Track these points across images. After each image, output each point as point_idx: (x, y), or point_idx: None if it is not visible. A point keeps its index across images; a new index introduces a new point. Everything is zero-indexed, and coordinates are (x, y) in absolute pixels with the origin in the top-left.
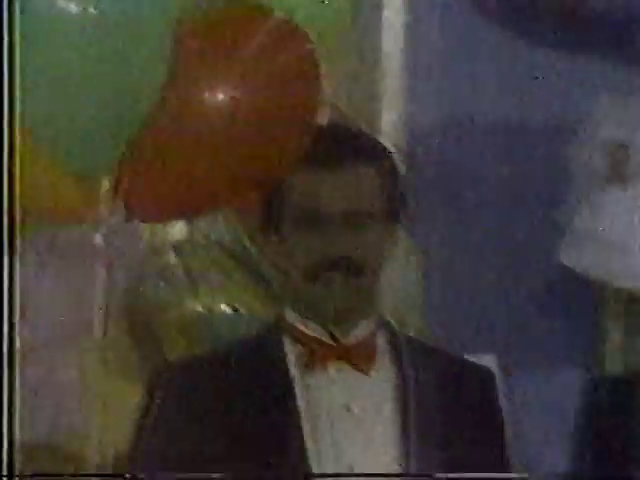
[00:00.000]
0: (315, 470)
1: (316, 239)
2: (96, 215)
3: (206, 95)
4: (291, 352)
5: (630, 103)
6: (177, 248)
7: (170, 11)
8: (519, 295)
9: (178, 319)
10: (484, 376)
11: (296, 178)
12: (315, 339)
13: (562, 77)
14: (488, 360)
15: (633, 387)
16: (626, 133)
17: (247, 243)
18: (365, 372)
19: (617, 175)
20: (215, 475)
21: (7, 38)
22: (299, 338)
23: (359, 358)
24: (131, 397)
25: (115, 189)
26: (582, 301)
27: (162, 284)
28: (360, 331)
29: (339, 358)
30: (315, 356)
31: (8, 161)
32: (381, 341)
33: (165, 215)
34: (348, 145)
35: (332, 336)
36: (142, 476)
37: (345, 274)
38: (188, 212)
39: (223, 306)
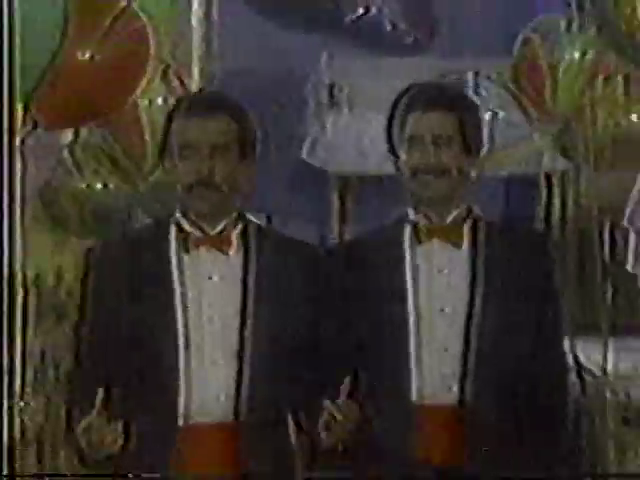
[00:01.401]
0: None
1: (191, 165)
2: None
3: (79, 54)
4: (174, 238)
5: (339, 61)
6: (69, 147)
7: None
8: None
9: (71, 195)
10: (309, 251)
11: (177, 123)
12: (191, 230)
13: (303, 44)
14: None
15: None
16: (339, 76)
17: (108, 151)
18: (225, 253)
19: (335, 104)
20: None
21: None
22: (181, 229)
23: (222, 243)
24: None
25: (26, 110)
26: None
27: (59, 172)
28: (223, 224)
29: (210, 244)
30: (189, 242)
31: None
32: (237, 229)
33: (61, 125)
34: (214, 102)
35: (202, 229)
36: (143, 476)
37: (211, 188)
38: (76, 122)
39: (99, 185)
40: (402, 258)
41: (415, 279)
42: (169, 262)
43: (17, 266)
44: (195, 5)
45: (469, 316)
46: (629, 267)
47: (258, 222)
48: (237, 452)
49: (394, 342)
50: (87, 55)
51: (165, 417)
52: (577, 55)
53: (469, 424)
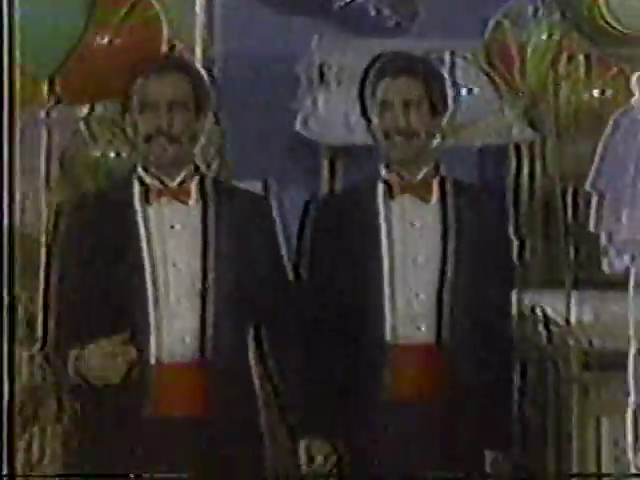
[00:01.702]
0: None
1: (150, 118)
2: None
3: (98, 38)
4: (138, 191)
5: (329, 42)
6: (85, 120)
7: None
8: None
9: (86, 163)
10: (263, 202)
11: (138, 82)
12: (152, 183)
13: (296, 27)
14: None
15: None
16: (328, 56)
17: (120, 124)
18: (185, 203)
19: (325, 82)
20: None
21: None
22: (143, 182)
23: (181, 194)
24: None
25: (51, 86)
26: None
27: (76, 141)
28: (182, 176)
29: (170, 195)
30: (151, 193)
31: None
32: (195, 181)
33: (80, 101)
34: (171, 62)
35: (162, 182)
36: (144, 476)
37: (169, 141)
38: (94, 98)
39: (112, 154)
40: (376, 213)
41: (389, 232)
42: (134, 213)
43: (42, 226)
44: None
45: (443, 263)
46: (591, 228)
47: (212, 175)
48: (205, 390)
49: (370, 289)
50: (106, 40)
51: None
52: (543, 37)
53: (443, 361)
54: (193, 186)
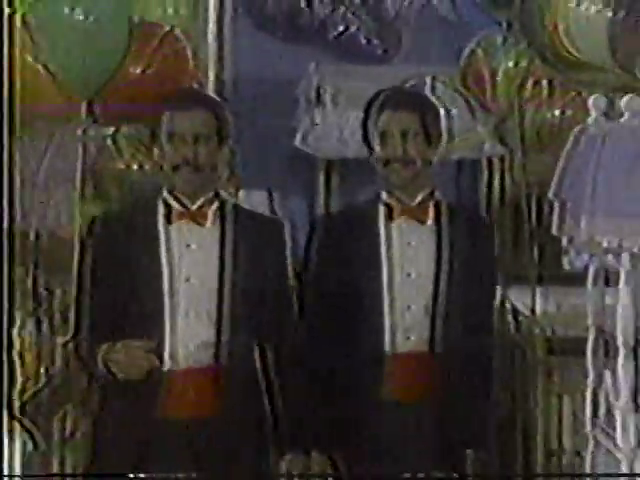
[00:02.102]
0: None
1: (177, 149)
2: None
3: (131, 68)
4: (162, 212)
5: (324, 68)
6: (112, 137)
7: (125, 17)
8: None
9: (112, 174)
10: (275, 225)
11: (167, 115)
12: (175, 205)
13: (296, 55)
14: None
15: None
16: (324, 80)
17: (144, 142)
18: (201, 225)
19: (321, 103)
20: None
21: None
22: (166, 204)
23: (199, 216)
24: None
25: (90, 108)
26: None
27: (104, 155)
28: (202, 201)
29: (189, 217)
30: (173, 215)
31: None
32: (214, 206)
33: (115, 122)
34: (196, 97)
35: (183, 205)
36: (143, 476)
37: (194, 170)
38: (126, 120)
39: (135, 166)
40: (377, 233)
41: (388, 250)
42: (156, 232)
43: (76, 231)
44: (210, 25)
45: (435, 278)
46: (553, 231)
47: (232, 201)
48: (218, 394)
49: (369, 301)
50: (139, 70)
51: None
52: (511, 64)
53: (434, 367)
54: (211, 210)
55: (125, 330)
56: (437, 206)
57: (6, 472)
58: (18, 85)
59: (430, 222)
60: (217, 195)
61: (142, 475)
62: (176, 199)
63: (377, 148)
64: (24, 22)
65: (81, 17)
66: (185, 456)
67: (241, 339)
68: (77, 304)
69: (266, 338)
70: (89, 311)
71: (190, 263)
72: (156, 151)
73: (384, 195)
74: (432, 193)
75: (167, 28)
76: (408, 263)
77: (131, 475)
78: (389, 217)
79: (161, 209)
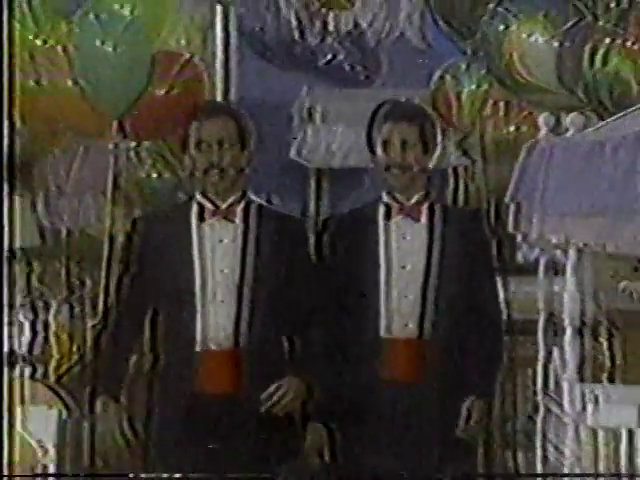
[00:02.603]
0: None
1: (204, 155)
2: (109, 137)
3: (157, 91)
4: (195, 212)
5: (315, 90)
6: (134, 149)
7: (147, 48)
8: None
9: (135, 181)
10: (296, 223)
11: (194, 125)
12: (207, 205)
13: (291, 79)
14: None
15: None
16: (315, 101)
17: (171, 159)
18: (231, 221)
19: (312, 121)
20: (216, 475)
21: None
22: (199, 204)
23: (229, 214)
24: None
25: (120, 125)
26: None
27: (131, 166)
28: (231, 200)
29: (220, 215)
30: (205, 213)
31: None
32: (242, 205)
33: (141, 137)
34: (219, 107)
35: (214, 204)
36: (143, 476)
37: (220, 173)
38: (151, 136)
39: (155, 175)
40: (376, 229)
41: (386, 244)
42: (190, 229)
43: (106, 231)
44: (218, 54)
45: (427, 270)
46: (509, 229)
47: (258, 201)
48: (239, 374)
49: (369, 290)
50: (163, 91)
51: (187, 346)
52: (473, 87)
53: (426, 351)
54: (239, 208)
55: (160, 315)
56: (431, 206)
57: (6, 472)
58: (53, 105)
59: (424, 220)
60: (244, 195)
61: (143, 475)
62: (208, 199)
63: (379, 154)
64: (64, 51)
65: (110, 49)
66: (216, 428)
67: (260, 324)
68: (105, 292)
69: (285, 324)
70: (128, 297)
71: (222, 256)
72: (187, 159)
73: (384, 196)
74: (427, 195)
75: (187, 56)
76: (403, 256)
77: (131, 475)
78: (388, 215)
79: (194, 209)
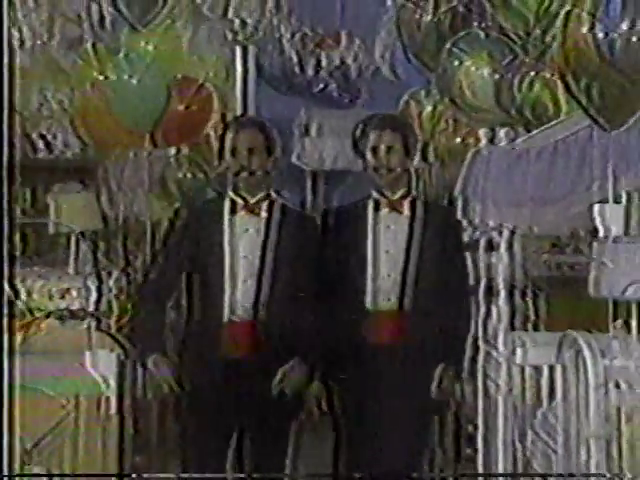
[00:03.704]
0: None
1: (237, 160)
2: (143, 147)
3: (179, 106)
4: (228, 206)
5: (311, 111)
6: (175, 156)
7: (166, 78)
8: None
9: (175, 182)
10: (310, 220)
11: (229, 135)
12: (238, 201)
13: (292, 102)
14: None
15: None
16: (311, 119)
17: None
18: (257, 215)
19: (309, 134)
20: (217, 475)
21: None
22: (232, 200)
23: (256, 209)
24: None
25: (152, 136)
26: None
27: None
28: (258, 197)
29: (248, 209)
30: (237, 207)
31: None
32: (267, 202)
33: (167, 145)
34: (250, 120)
35: (244, 200)
36: (144, 476)
37: (249, 175)
38: (175, 144)
39: (189, 174)
40: (367, 220)
41: (374, 234)
42: (222, 221)
43: (148, 221)
44: (237, 83)
45: (407, 253)
46: (458, 216)
47: (281, 200)
48: (258, 342)
49: (359, 271)
50: (183, 106)
51: (215, 316)
52: (431, 108)
53: (406, 320)
54: (265, 204)
55: (194, 292)
56: (413, 201)
57: (6, 472)
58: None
59: (406, 212)
60: (269, 195)
61: (144, 475)
62: (239, 196)
63: (369, 158)
64: (93, 84)
65: (134, 81)
66: (236, 388)
67: (275, 301)
68: (151, 264)
69: (293, 300)
70: (165, 275)
71: (247, 243)
72: (223, 163)
73: (373, 193)
74: (409, 191)
75: (200, 81)
76: (387, 242)
77: (133, 475)
78: (376, 209)
79: (227, 204)
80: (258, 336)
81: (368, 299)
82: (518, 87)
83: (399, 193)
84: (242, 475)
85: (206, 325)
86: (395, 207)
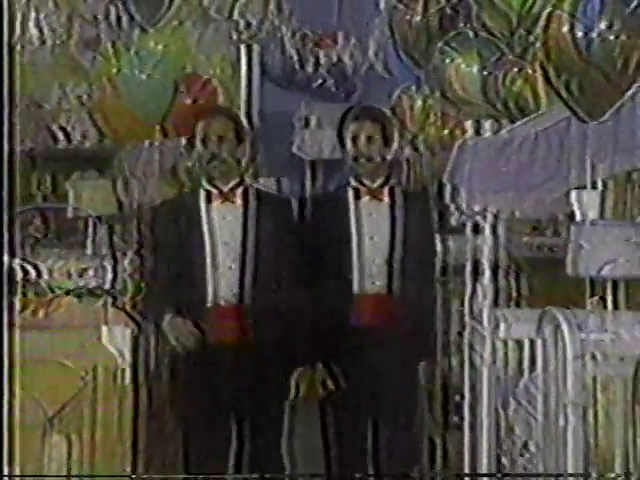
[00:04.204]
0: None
1: (208, 148)
2: (154, 138)
3: (186, 100)
4: (203, 196)
5: (311, 104)
6: (184, 146)
7: (174, 72)
8: None
9: (185, 169)
10: (285, 202)
11: (199, 125)
12: (212, 190)
13: (293, 97)
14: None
15: None
16: (310, 112)
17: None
18: (232, 202)
19: (309, 126)
20: (219, 476)
21: None
22: (206, 190)
23: (230, 196)
24: None
25: (162, 127)
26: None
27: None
28: (231, 185)
29: (224, 197)
30: (212, 196)
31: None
32: (241, 188)
33: (175, 135)
34: (218, 109)
35: (218, 189)
36: (144, 476)
37: (221, 162)
38: (183, 134)
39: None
40: (347, 209)
41: (357, 221)
42: (199, 210)
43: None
44: (242, 79)
45: (391, 239)
46: (446, 201)
47: (255, 184)
48: (243, 326)
49: (344, 258)
50: (189, 101)
51: (199, 302)
52: (421, 102)
53: (394, 303)
54: (239, 191)
55: (180, 278)
56: (392, 189)
57: (6, 472)
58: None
59: (386, 199)
60: (242, 180)
61: (144, 475)
62: (213, 185)
63: (349, 148)
64: (109, 80)
65: (143, 77)
66: (228, 371)
67: (260, 285)
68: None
69: (278, 284)
70: (155, 265)
71: (226, 230)
72: (195, 152)
73: (352, 181)
74: (387, 179)
75: (206, 77)
76: (370, 229)
77: (134, 475)
78: (357, 197)
79: (202, 193)
80: (244, 320)
81: (355, 283)
82: (502, 82)
83: (378, 181)
84: (243, 475)
85: (194, 310)
86: (375, 195)
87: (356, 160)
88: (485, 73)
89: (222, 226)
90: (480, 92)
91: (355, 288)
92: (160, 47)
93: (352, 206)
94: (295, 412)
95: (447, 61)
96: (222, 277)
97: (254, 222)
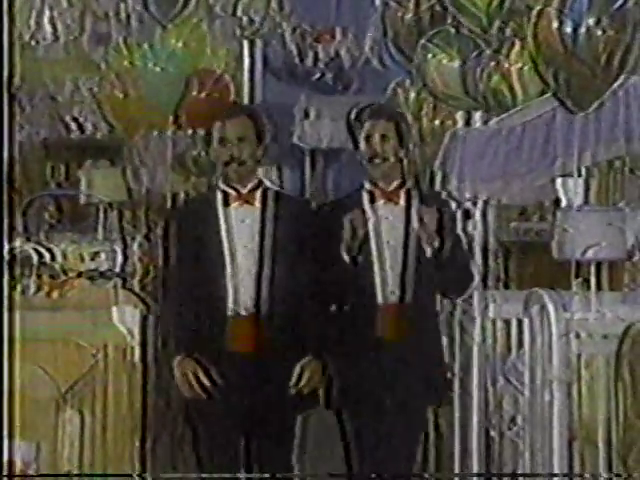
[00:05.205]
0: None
1: (226, 149)
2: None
3: (198, 94)
4: (220, 198)
5: (310, 97)
6: (191, 136)
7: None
8: None
9: (193, 159)
10: (302, 203)
11: (217, 124)
12: (230, 192)
13: (294, 89)
14: None
15: None
16: (310, 104)
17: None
18: (251, 204)
19: (308, 118)
20: (217, 475)
21: None
22: (224, 192)
23: (249, 198)
24: None
25: (176, 118)
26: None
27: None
28: (250, 187)
29: (242, 200)
30: (230, 199)
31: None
32: (260, 190)
33: (188, 127)
34: (238, 108)
35: (237, 190)
36: (145, 476)
37: (239, 164)
38: (194, 127)
39: (203, 153)
40: (363, 212)
41: (374, 226)
42: (217, 212)
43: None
44: (245, 73)
45: (406, 244)
46: (437, 189)
47: (274, 188)
48: (260, 337)
49: (365, 265)
50: (204, 94)
51: (219, 310)
52: (414, 95)
53: (408, 313)
54: (258, 193)
55: (195, 286)
56: (408, 191)
57: (6, 472)
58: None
59: (402, 203)
60: (261, 182)
61: (144, 475)
62: (230, 187)
63: (363, 147)
64: (118, 75)
65: (157, 69)
66: (244, 382)
67: (278, 292)
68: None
69: (298, 294)
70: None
71: (245, 234)
72: (211, 151)
73: (367, 184)
74: (404, 182)
75: (219, 72)
76: (387, 233)
77: (135, 475)
78: (372, 200)
79: (219, 196)
80: (261, 332)
81: (378, 294)
82: (480, 77)
83: (394, 184)
84: (251, 475)
85: (215, 321)
86: (391, 198)
87: (371, 160)
88: (465, 68)
89: (240, 229)
90: (461, 86)
91: (379, 299)
92: (173, 42)
93: (368, 210)
94: (308, 421)
95: (430, 57)
96: (240, 283)
97: (272, 226)
